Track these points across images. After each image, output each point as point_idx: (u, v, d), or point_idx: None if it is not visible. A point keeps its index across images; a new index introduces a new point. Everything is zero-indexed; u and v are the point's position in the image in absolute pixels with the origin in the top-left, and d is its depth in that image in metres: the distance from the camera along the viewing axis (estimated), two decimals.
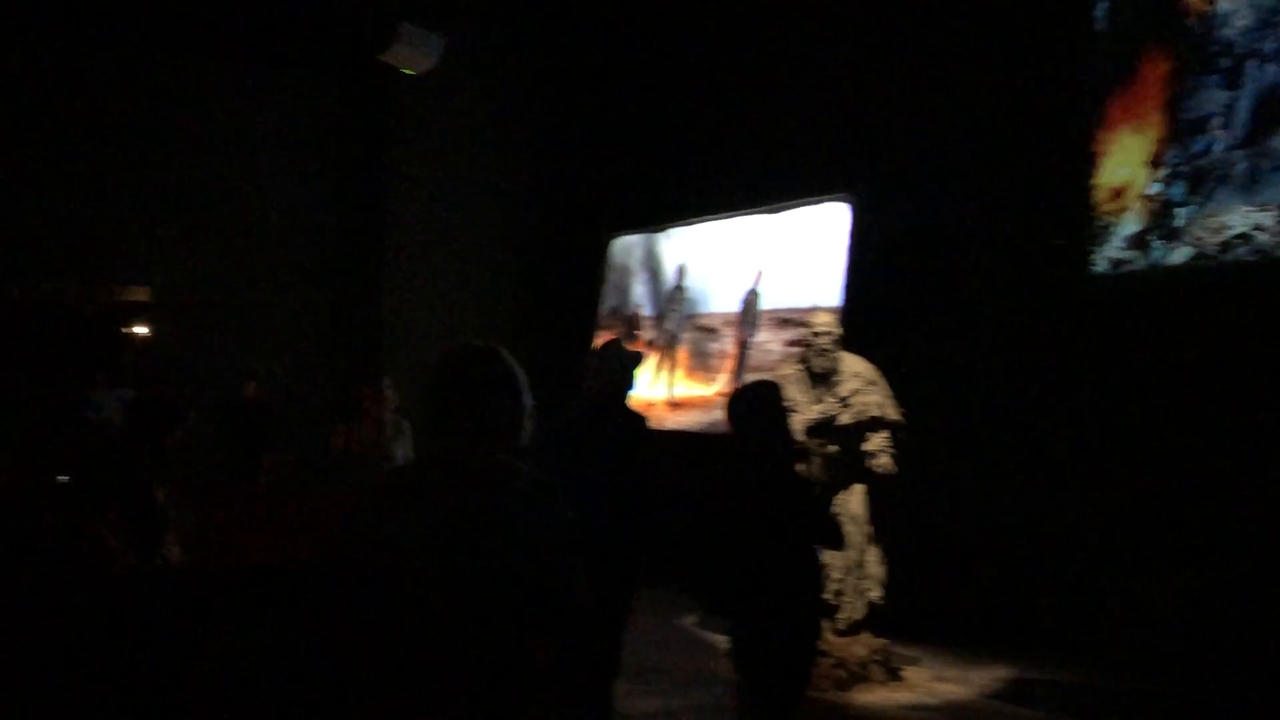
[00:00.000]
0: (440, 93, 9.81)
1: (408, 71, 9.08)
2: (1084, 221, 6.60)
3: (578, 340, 9.13)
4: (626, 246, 9.73)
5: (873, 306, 7.35)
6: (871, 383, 5.73)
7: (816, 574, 3.52)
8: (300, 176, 10.09)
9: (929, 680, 5.67)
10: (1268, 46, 5.77)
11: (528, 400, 2.17)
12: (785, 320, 7.95)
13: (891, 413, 5.66)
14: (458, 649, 1.98)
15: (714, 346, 8.70)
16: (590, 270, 9.80)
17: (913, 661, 5.92)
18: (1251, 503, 5.72)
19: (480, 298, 10.15)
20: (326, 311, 10.18)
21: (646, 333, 9.30)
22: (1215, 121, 6.02)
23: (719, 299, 8.70)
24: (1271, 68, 5.77)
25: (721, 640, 3.92)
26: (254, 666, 3.24)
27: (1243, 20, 5.92)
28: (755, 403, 3.49)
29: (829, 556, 5.50)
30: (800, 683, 3.39)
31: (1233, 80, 5.93)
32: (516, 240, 10.40)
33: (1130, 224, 6.44)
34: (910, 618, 6.11)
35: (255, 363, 8.96)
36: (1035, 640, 6.36)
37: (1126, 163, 6.49)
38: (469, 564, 1.96)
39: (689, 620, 6.85)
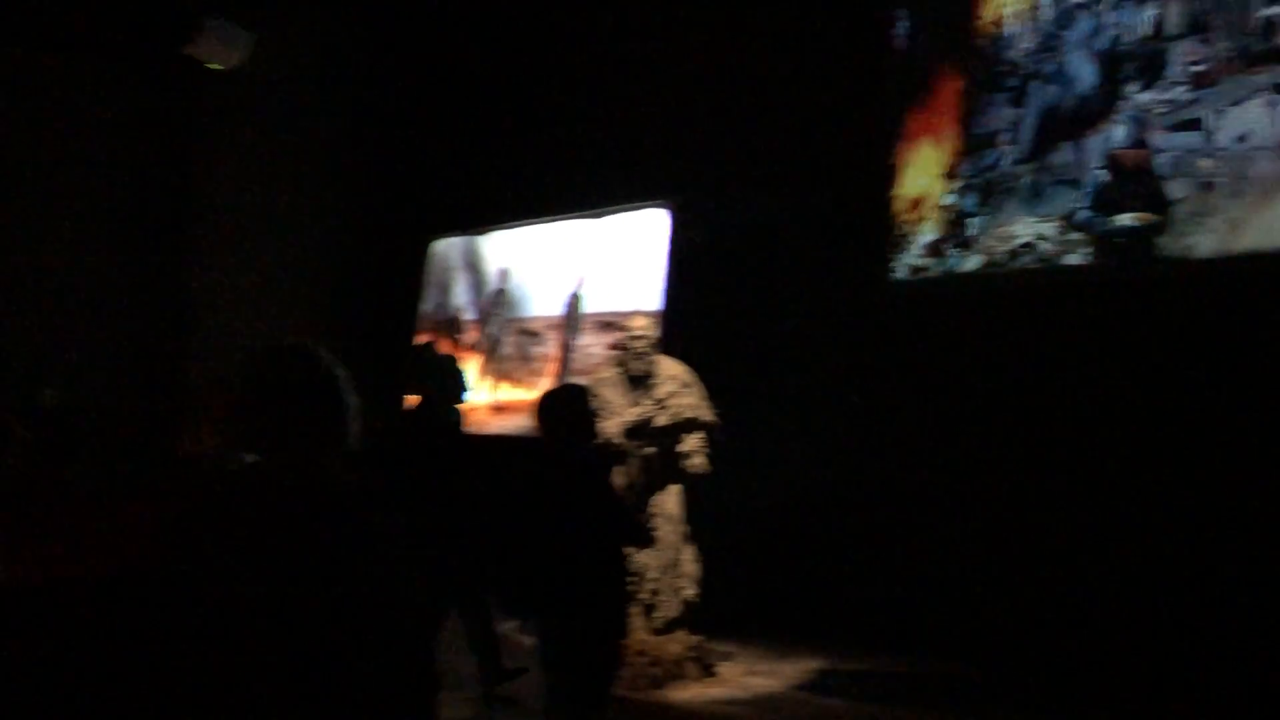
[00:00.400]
0: (252, 89, 9.48)
1: (215, 66, 8.74)
2: (886, 230, 6.92)
3: (398, 344, 9.00)
4: (447, 248, 9.64)
5: (690, 310, 7.51)
6: (687, 385, 5.85)
7: (622, 574, 3.59)
8: (102, 172, 9.58)
9: (741, 674, 5.83)
10: (1048, 68, 6.18)
11: (351, 400, 1.97)
12: (608, 324, 8.03)
13: (706, 414, 5.80)
14: (287, 676, 1.82)
15: (537, 350, 8.71)
16: (410, 272, 9.66)
17: (727, 657, 6.07)
18: (1036, 489, 6.11)
19: (295, 300, 9.85)
20: (132, 314, 9.69)
21: (468, 336, 9.24)
22: (1003, 137, 6.41)
23: (542, 302, 8.72)
24: (1052, 88, 6.18)
25: (530, 643, 3.95)
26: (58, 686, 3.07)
27: (1026, 43, 6.32)
28: (560, 406, 3.53)
29: (645, 556, 5.61)
30: (606, 683, 3.44)
31: (1018, 98, 6.34)
32: (334, 242, 10.14)
33: (928, 233, 6.78)
34: (727, 614, 6.27)
35: (54, 368, 8.45)
36: (848, 631, 6.61)
37: (924, 174, 6.84)
38: (294, 587, 1.79)
39: (507, 626, 6.81)
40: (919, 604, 6.46)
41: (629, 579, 5.43)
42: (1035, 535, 6.07)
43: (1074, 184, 6.04)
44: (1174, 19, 5.73)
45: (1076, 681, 5.54)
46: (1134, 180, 5.81)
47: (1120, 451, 5.80)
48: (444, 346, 8.48)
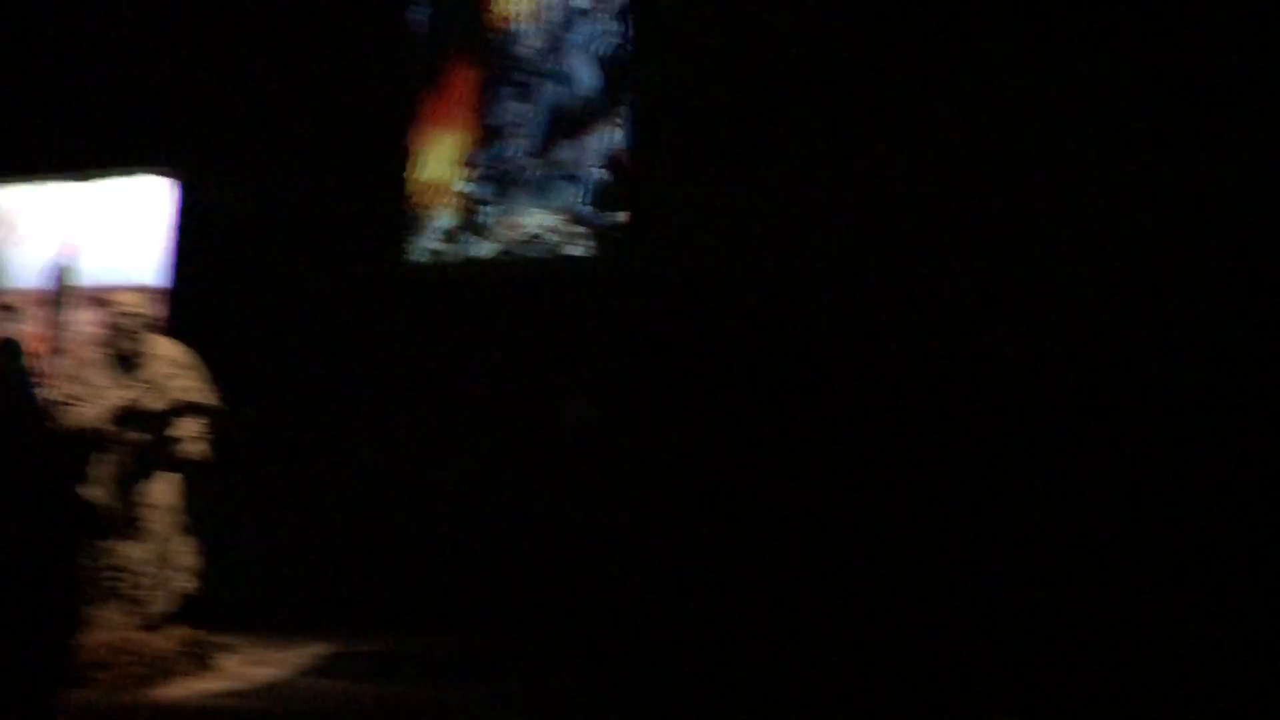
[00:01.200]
0: None
1: None
2: (401, 213, 6.97)
3: None
4: None
5: (199, 288, 7.11)
6: (185, 367, 5.51)
7: (73, 568, 3.31)
8: None
9: (243, 665, 5.61)
10: (553, 67, 6.55)
11: None
12: (102, 300, 7.38)
13: (207, 398, 5.50)
14: None
15: (17, 327, 7.78)
16: None
17: (229, 649, 5.82)
18: (556, 466, 6.48)
19: None
20: None
21: None
22: (513, 130, 6.69)
23: (22, 273, 7.82)
24: (557, 87, 6.55)
25: None
26: None
27: (536, 41, 6.65)
28: None
29: (130, 548, 5.23)
30: (52, 685, 3.17)
31: (527, 94, 6.65)
32: None
33: (445, 218, 6.93)
34: (239, 606, 6.02)
35: None
36: (362, 615, 6.60)
37: (442, 161, 6.97)
38: None
39: None
40: (429, 583, 6.61)
41: (107, 573, 5.08)
42: (536, 513, 6.43)
43: (575, 180, 6.45)
44: None
45: (578, 650, 5.94)
46: (628, 180, 6.32)
47: (632, 424, 6.29)
48: None
